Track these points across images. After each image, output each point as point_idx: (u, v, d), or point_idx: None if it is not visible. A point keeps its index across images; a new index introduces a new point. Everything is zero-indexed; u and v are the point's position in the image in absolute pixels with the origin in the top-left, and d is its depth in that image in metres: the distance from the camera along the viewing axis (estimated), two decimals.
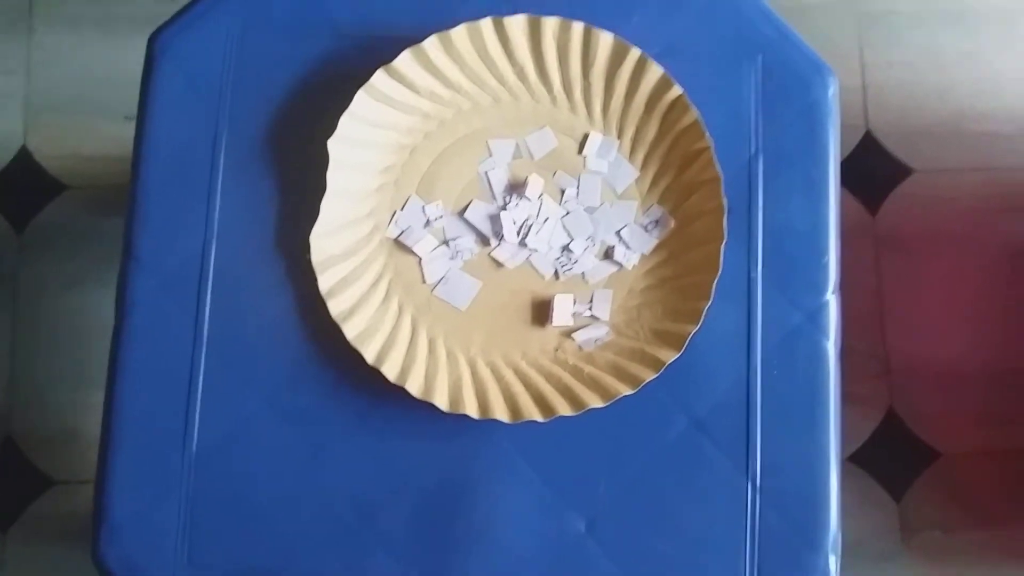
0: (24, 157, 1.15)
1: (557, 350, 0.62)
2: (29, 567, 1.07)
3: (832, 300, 0.63)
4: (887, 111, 1.17)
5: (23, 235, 1.13)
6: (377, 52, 0.64)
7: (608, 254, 0.63)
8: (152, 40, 0.66)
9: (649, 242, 0.63)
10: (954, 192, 1.15)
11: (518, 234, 0.63)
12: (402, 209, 0.63)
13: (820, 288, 0.63)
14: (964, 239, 1.14)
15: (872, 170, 1.16)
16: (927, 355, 1.11)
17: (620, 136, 0.64)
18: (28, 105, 1.16)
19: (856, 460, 1.07)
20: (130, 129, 0.66)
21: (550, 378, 0.61)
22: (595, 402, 0.59)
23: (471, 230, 0.63)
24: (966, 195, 1.15)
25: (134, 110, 0.66)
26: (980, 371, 1.11)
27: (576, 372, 0.61)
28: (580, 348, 0.62)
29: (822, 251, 0.63)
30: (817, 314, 0.62)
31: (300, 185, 0.63)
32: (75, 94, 1.16)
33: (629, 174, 0.64)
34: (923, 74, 1.18)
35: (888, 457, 1.10)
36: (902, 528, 1.09)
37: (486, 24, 0.62)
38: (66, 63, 1.17)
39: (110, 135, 1.15)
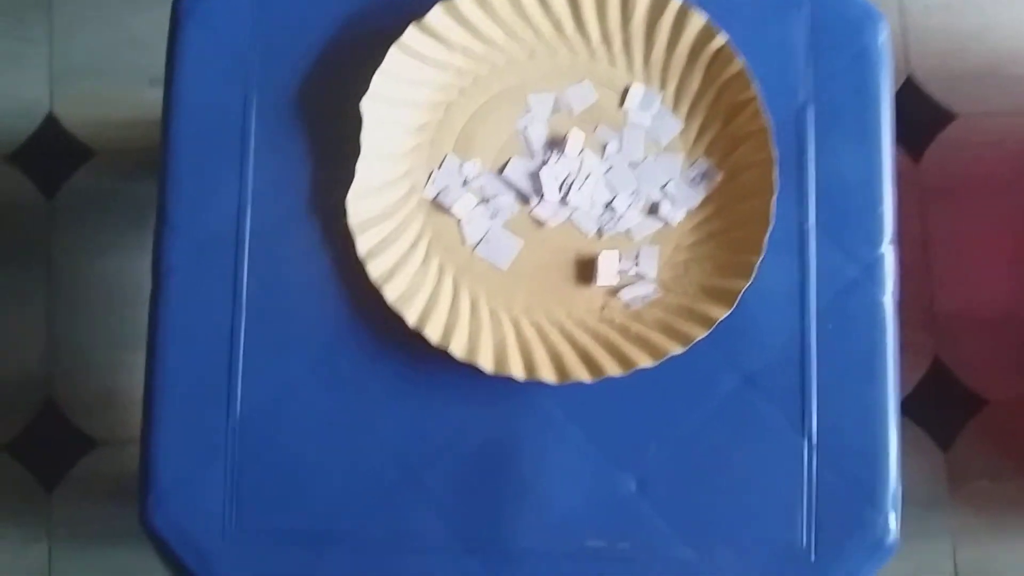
0: (51, 124, 1.14)
1: (603, 309, 0.60)
2: (76, 527, 1.09)
3: (888, 252, 0.61)
4: (928, 55, 1.14)
5: (53, 201, 1.13)
6: (408, 7, 0.62)
7: (653, 209, 0.61)
8: (177, 2, 0.65)
9: (696, 196, 0.61)
10: (998, 136, 1.13)
11: (559, 191, 0.61)
12: (439, 169, 0.62)
13: (876, 240, 0.61)
14: (1010, 184, 1.12)
15: (914, 116, 1.13)
16: (973, 303, 1.10)
17: (663, 88, 0.62)
18: (53, 72, 1.15)
19: (903, 409, 1.06)
20: (156, 93, 0.65)
21: (597, 337, 0.59)
22: (644, 361, 0.57)
23: (510, 188, 0.62)
24: (1011, 139, 1.12)
25: (159, 74, 0.64)
26: None
27: (623, 331, 0.59)
28: (627, 306, 0.60)
29: (877, 201, 0.61)
30: (873, 267, 0.60)
31: (334, 146, 0.62)
32: (99, 59, 1.15)
33: (673, 126, 0.62)
34: (962, 16, 1.14)
35: (935, 406, 1.08)
36: (949, 477, 1.08)
37: None
38: (88, 28, 1.16)
39: (136, 99, 1.14)
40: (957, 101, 1.13)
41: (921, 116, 1.13)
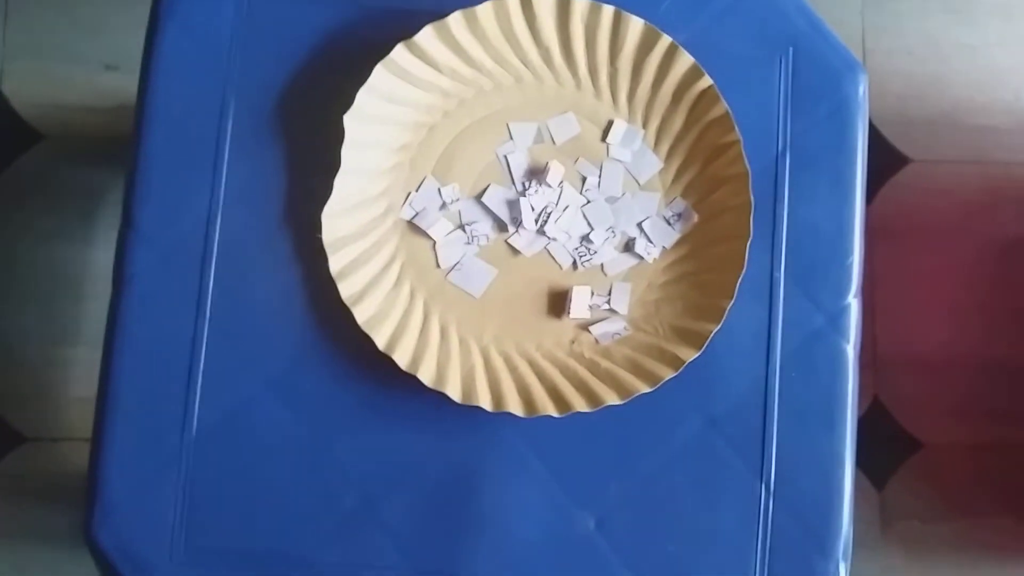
0: (0, 103, 1.11)
1: (573, 343, 0.60)
2: (1, 524, 1.05)
3: (854, 303, 0.62)
4: (886, 100, 1.16)
5: None
6: (397, 25, 0.62)
7: (628, 246, 0.62)
8: (157, 1, 0.63)
9: (671, 235, 0.61)
10: (949, 184, 1.15)
11: (536, 221, 0.61)
12: (417, 190, 0.61)
13: (843, 290, 0.61)
14: (956, 231, 1.14)
15: (869, 158, 1.15)
16: (914, 346, 1.12)
17: (645, 125, 0.62)
18: (5, 50, 1.12)
19: None
20: (111, 79, 0.63)
21: (565, 372, 0.59)
22: (612, 398, 0.57)
23: (488, 215, 0.61)
24: (961, 187, 1.15)
25: (115, 59, 0.63)
26: (966, 363, 1.12)
27: (592, 367, 0.59)
28: (597, 342, 0.60)
29: (846, 252, 0.62)
30: (839, 317, 0.61)
31: (310, 159, 0.61)
32: (54, 39, 1.12)
33: (653, 164, 0.62)
34: (923, 64, 1.17)
35: (872, 446, 1.10)
36: (882, 517, 1.09)
37: (513, 2, 0.60)
38: (45, 7, 1.13)
39: (90, 84, 1.11)
40: (911, 146, 1.15)
41: (876, 159, 1.14)
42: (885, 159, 1.15)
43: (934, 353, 1.12)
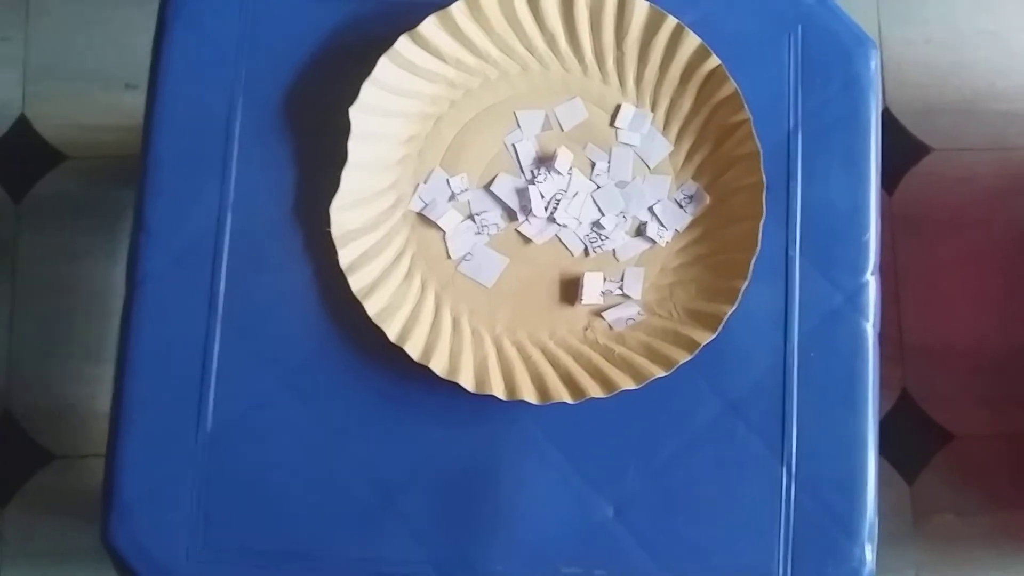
0: (23, 125, 1.12)
1: (586, 329, 0.60)
2: (28, 543, 1.06)
3: (872, 281, 0.61)
4: (906, 89, 1.15)
5: (21, 205, 1.11)
6: (401, 17, 0.61)
7: (640, 230, 0.61)
8: (164, 4, 0.64)
9: (683, 218, 0.61)
10: (971, 171, 1.13)
11: (546, 209, 0.60)
12: (426, 182, 0.61)
13: (860, 268, 0.60)
14: (980, 220, 1.12)
15: (889, 148, 1.13)
16: (941, 336, 1.10)
17: (654, 108, 0.62)
18: (27, 72, 1.13)
19: None
20: (132, 97, 0.64)
21: (579, 358, 0.59)
22: (627, 384, 0.57)
23: (497, 204, 0.61)
24: (983, 175, 1.13)
25: (136, 78, 0.63)
26: (995, 352, 1.10)
27: (606, 352, 0.59)
28: (610, 328, 0.60)
29: (862, 229, 0.61)
30: (857, 295, 0.60)
31: (319, 155, 0.61)
32: (75, 61, 1.14)
33: (663, 148, 0.62)
34: (942, 51, 1.15)
35: (902, 439, 1.08)
36: (914, 511, 1.08)
37: None
38: (66, 29, 1.14)
39: (111, 104, 1.12)
40: (932, 135, 1.13)
41: (896, 149, 1.13)
42: (906, 148, 1.14)
43: (962, 343, 1.10)
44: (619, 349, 0.59)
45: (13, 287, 1.09)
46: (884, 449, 1.06)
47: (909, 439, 1.09)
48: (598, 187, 0.61)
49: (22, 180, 1.11)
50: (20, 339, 1.09)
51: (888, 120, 1.13)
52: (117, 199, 1.10)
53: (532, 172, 0.61)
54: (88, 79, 1.13)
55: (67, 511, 1.06)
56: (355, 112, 0.59)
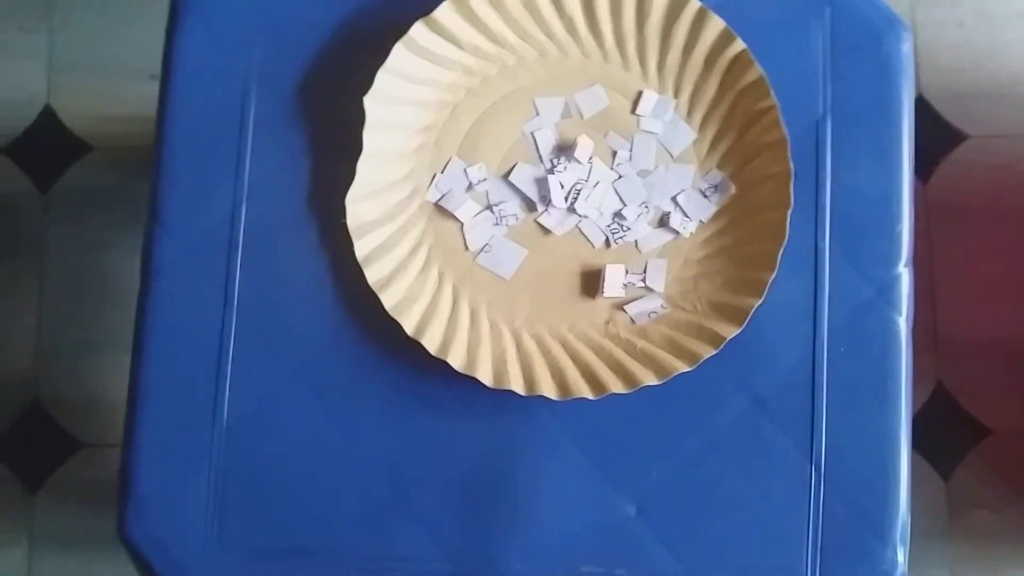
0: (48, 117, 1.13)
1: (608, 323, 0.58)
2: (58, 530, 1.07)
3: (905, 273, 0.59)
4: (939, 74, 1.13)
5: (48, 196, 1.11)
6: (416, 3, 0.60)
7: (663, 221, 0.59)
8: None
9: (708, 208, 0.59)
10: (1008, 159, 1.11)
11: (566, 199, 0.59)
12: (443, 172, 0.60)
13: (892, 260, 0.58)
14: (1019, 209, 1.10)
15: (924, 136, 1.11)
16: (978, 328, 1.08)
17: (677, 94, 0.60)
18: (52, 64, 1.14)
19: None
20: (156, 89, 0.63)
21: (600, 353, 0.57)
22: (650, 379, 0.55)
23: (516, 194, 0.60)
24: (1021, 162, 1.10)
25: (160, 69, 0.62)
26: None
27: (628, 347, 0.57)
28: (632, 321, 0.58)
29: (895, 219, 0.59)
30: (888, 288, 0.58)
31: (335, 145, 0.60)
32: (99, 53, 1.14)
33: (686, 135, 0.60)
34: (976, 35, 1.13)
35: (937, 433, 1.07)
36: (949, 506, 1.06)
37: None
38: (90, 20, 1.14)
39: (136, 95, 1.13)
40: (968, 122, 1.11)
41: (931, 136, 1.11)
42: (940, 136, 1.11)
43: (998, 334, 1.08)
44: (641, 343, 0.57)
45: (41, 277, 1.10)
46: (918, 444, 1.04)
47: (944, 433, 1.07)
48: (620, 176, 0.59)
49: (48, 171, 1.12)
50: (48, 329, 1.09)
51: (922, 107, 1.11)
52: (142, 190, 1.09)
53: (551, 161, 0.59)
54: (113, 70, 1.13)
55: (95, 501, 1.07)
56: (370, 101, 0.58)
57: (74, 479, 1.07)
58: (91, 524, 1.06)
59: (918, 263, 0.60)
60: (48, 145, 1.12)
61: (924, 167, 1.10)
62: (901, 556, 0.56)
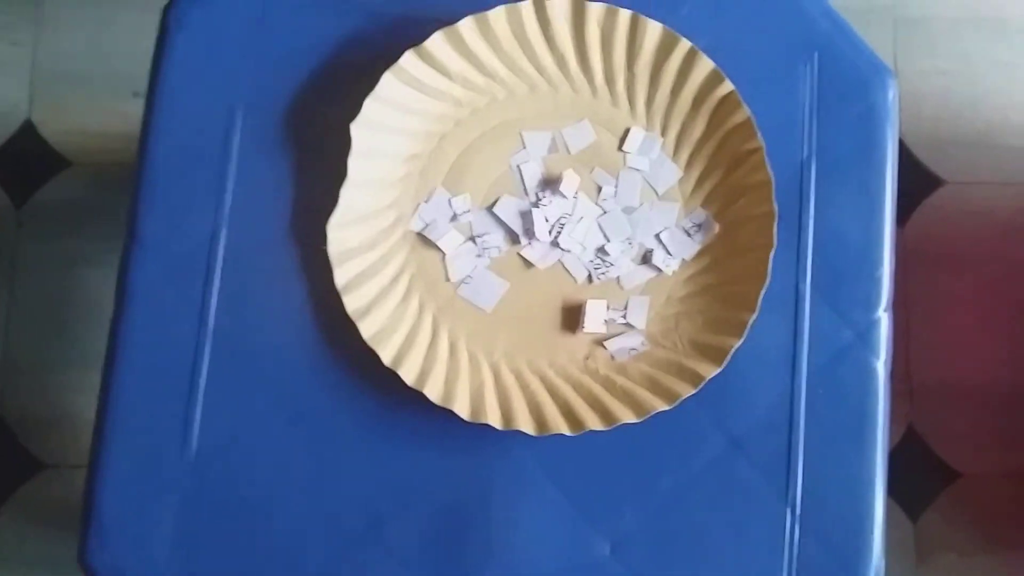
0: (28, 130, 1.12)
1: (587, 359, 0.58)
2: (16, 552, 1.04)
3: (884, 318, 0.59)
4: (919, 120, 1.14)
5: (22, 210, 1.10)
6: (407, 32, 0.60)
7: (646, 258, 0.59)
8: (167, 11, 0.62)
9: (691, 247, 0.59)
10: (984, 206, 1.12)
11: (550, 233, 0.59)
12: (427, 201, 0.59)
13: (872, 304, 0.59)
14: (992, 254, 1.11)
15: (902, 180, 1.12)
16: (951, 373, 1.09)
17: (664, 133, 0.60)
18: (35, 77, 1.13)
19: None
20: (139, 106, 0.63)
21: (579, 389, 0.57)
22: (628, 417, 0.55)
23: (500, 226, 0.59)
24: (997, 209, 1.12)
25: (143, 87, 0.62)
26: (1005, 391, 1.09)
27: (608, 384, 0.57)
28: (612, 358, 0.58)
29: (876, 264, 0.59)
30: (868, 332, 0.58)
31: (319, 171, 0.60)
32: (83, 68, 1.13)
33: (672, 174, 0.60)
34: (958, 83, 1.14)
35: (907, 476, 1.07)
36: (917, 549, 1.06)
37: (526, 7, 0.58)
38: (75, 35, 1.14)
39: (118, 111, 1.12)
40: (945, 168, 1.12)
41: (909, 180, 1.12)
42: (918, 181, 1.13)
43: (971, 380, 1.09)
44: (620, 380, 0.57)
45: (11, 292, 1.08)
46: (889, 486, 1.05)
47: (915, 476, 1.07)
48: (604, 212, 0.59)
49: (25, 185, 1.11)
50: (16, 345, 1.08)
51: (901, 151, 1.12)
52: (120, 208, 1.08)
53: (537, 195, 0.59)
54: (96, 86, 1.12)
55: (57, 522, 1.05)
56: (356, 128, 0.57)
57: (35, 500, 1.05)
58: (52, 547, 1.04)
59: (894, 307, 0.60)
60: (26, 159, 1.11)
61: (901, 211, 1.10)
62: None
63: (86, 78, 1.12)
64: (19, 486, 1.05)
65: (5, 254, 1.09)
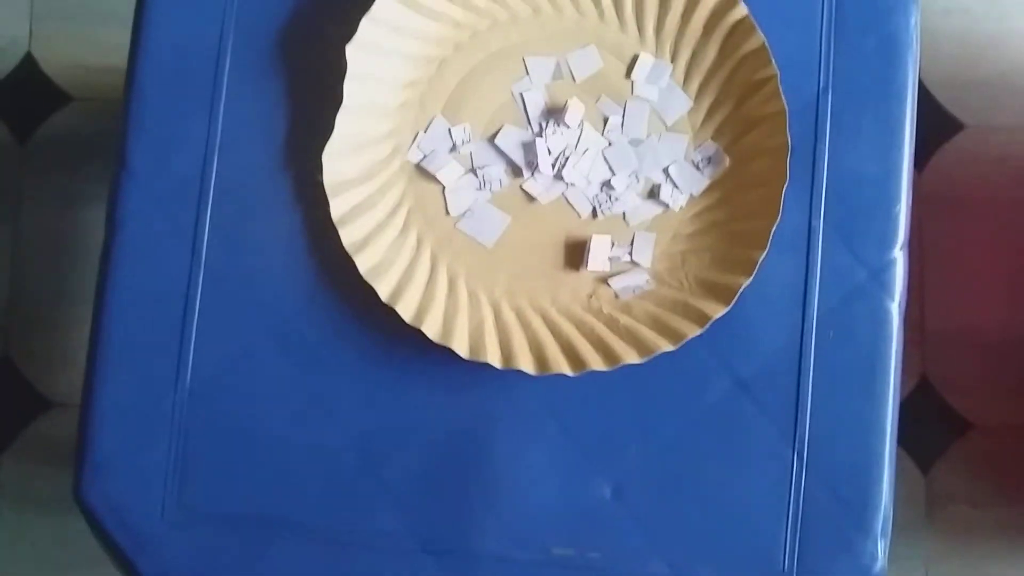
0: (29, 65, 1.10)
1: (591, 297, 0.56)
2: (24, 490, 1.05)
3: (900, 257, 0.56)
4: (940, 61, 1.11)
5: (26, 146, 1.09)
6: None
7: (653, 193, 0.57)
8: None
9: (700, 181, 0.57)
10: (1006, 150, 1.09)
11: (554, 165, 0.57)
12: (426, 131, 0.57)
13: (888, 242, 0.56)
14: (1013, 201, 1.09)
15: (921, 123, 1.09)
16: (966, 322, 1.07)
17: (674, 60, 0.57)
18: (34, 11, 1.10)
19: None
20: None
21: (581, 328, 0.55)
22: (631, 357, 0.53)
23: (501, 158, 0.57)
24: (1017, 155, 1.09)
25: None
26: (1021, 341, 1.06)
27: (611, 323, 0.55)
28: (617, 296, 0.56)
29: (893, 200, 0.57)
30: (883, 272, 0.56)
31: (314, 97, 0.58)
32: (83, 1, 1.10)
33: (682, 103, 0.57)
34: (980, 22, 1.11)
35: (918, 426, 1.06)
36: (928, 500, 1.05)
37: None
38: None
39: (119, 45, 1.09)
40: (966, 111, 1.10)
41: (928, 123, 1.10)
42: (938, 124, 1.10)
43: (986, 329, 1.07)
44: (624, 320, 0.55)
45: (16, 229, 1.08)
46: (900, 436, 1.03)
47: (926, 427, 1.06)
48: (610, 144, 0.57)
49: (28, 120, 1.09)
50: (22, 283, 1.07)
51: (921, 94, 1.09)
52: None
53: (540, 124, 0.57)
54: (96, 19, 1.11)
55: (64, 461, 1.05)
56: (352, 50, 0.55)
57: (43, 438, 1.06)
58: (60, 486, 1.04)
59: (909, 252, 0.58)
60: (28, 94, 1.10)
61: (920, 155, 1.09)
62: (881, 550, 0.55)
63: (87, 10, 1.11)
64: (27, 425, 1.05)
65: (10, 191, 1.08)
